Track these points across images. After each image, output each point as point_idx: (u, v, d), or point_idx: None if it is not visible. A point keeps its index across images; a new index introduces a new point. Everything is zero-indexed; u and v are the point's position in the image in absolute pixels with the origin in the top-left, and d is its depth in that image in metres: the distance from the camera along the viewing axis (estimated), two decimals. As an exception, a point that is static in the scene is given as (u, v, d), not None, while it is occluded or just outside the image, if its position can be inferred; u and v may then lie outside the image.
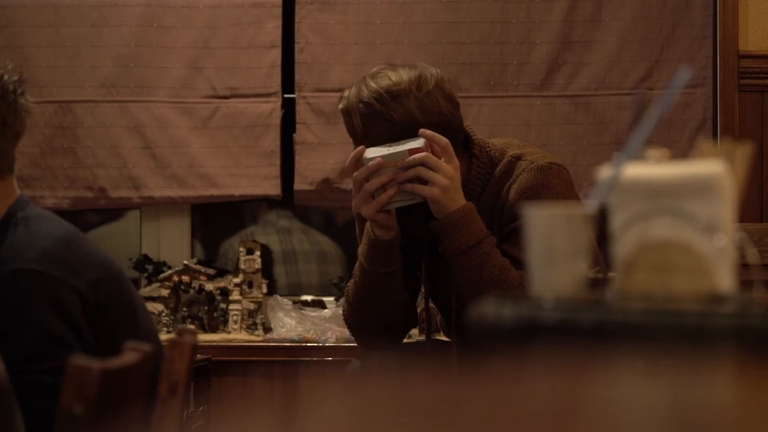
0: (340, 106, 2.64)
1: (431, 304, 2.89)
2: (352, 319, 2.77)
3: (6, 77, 2.38)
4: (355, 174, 2.58)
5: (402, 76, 2.60)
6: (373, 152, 2.56)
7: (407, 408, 0.98)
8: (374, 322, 2.75)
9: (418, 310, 3.06)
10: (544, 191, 2.62)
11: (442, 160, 2.55)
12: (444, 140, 2.54)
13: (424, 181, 2.55)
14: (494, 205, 2.67)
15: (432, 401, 1.00)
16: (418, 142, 2.55)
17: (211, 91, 4.20)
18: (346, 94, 2.63)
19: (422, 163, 2.53)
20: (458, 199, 2.57)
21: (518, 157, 2.68)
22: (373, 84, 2.60)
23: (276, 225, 4.47)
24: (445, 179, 2.53)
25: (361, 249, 2.69)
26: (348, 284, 2.78)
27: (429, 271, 2.76)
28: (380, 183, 2.55)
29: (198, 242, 4.44)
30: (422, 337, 3.24)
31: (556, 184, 2.64)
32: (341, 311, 2.84)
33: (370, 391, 1.06)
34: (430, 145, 2.55)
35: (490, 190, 2.67)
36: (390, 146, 2.57)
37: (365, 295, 2.70)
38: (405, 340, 2.92)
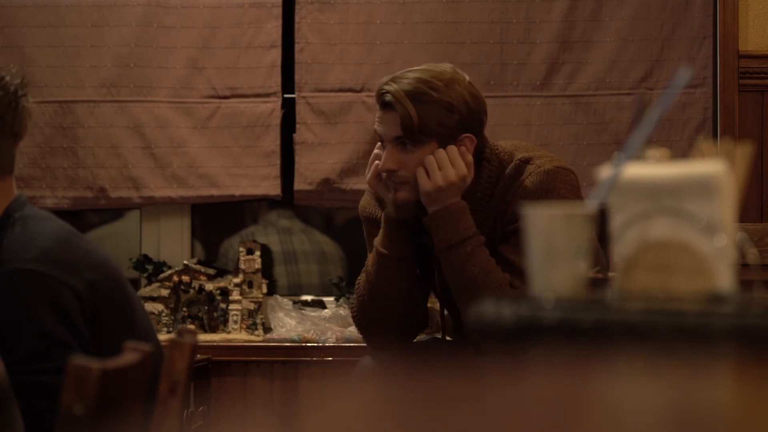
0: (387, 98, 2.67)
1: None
2: (361, 315, 2.80)
3: (8, 78, 2.38)
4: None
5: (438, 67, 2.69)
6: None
7: (411, 404, 0.98)
8: (385, 314, 2.76)
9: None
10: (550, 195, 2.64)
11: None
12: (453, 149, 2.66)
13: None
14: (500, 208, 2.69)
15: (433, 400, 1.00)
16: None
17: (211, 91, 4.20)
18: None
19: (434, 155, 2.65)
20: (450, 199, 2.65)
21: (526, 161, 2.72)
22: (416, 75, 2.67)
23: (276, 225, 4.47)
24: (442, 181, 2.64)
25: (378, 239, 2.76)
26: (358, 280, 2.82)
27: (442, 278, 2.77)
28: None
29: (198, 242, 4.43)
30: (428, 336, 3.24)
31: (561, 189, 2.65)
32: (350, 311, 2.89)
33: (382, 388, 1.06)
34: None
35: (498, 193, 2.71)
36: None
37: (378, 283, 2.75)
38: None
